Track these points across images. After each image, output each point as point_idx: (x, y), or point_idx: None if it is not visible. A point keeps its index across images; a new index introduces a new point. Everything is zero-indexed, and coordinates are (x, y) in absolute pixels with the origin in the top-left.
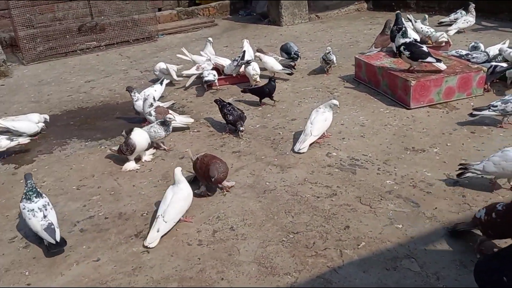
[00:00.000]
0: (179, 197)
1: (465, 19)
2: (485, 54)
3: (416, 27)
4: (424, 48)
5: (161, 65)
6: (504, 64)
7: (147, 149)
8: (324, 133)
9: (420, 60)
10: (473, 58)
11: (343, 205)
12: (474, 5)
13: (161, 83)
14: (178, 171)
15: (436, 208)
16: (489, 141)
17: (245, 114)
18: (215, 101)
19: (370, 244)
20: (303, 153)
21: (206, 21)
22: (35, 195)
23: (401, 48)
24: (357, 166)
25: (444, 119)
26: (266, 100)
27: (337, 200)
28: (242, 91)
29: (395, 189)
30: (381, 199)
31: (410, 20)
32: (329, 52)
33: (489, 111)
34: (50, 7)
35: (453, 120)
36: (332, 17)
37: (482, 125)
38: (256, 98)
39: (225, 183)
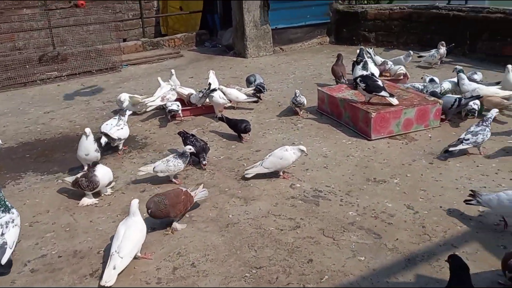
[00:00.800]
0: (133, 229)
1: (432, 54)
2: (438, 85)
3: (375, 60)
4: (379, 82)
5: (124, 95)
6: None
7: (107, 185)
8: (280, 173)
9: (374, 93)
10: (430, 91)
11: (306, 238)
12: (443, 43)
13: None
14: (135, 202)
15: (397, 239)
16: (446, 172)
17: (208, 146)
18: (179, 133)
19: (333, 277)
20: (248, 178)
21: (171, 52)
22: (2, 209)
23: (358, 80)
24: (320, 197)
25: (403, 150)
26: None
27: (301, 232)
28: (218, 118)
29: (358, 221)
30: (344, 231)
31: (370, 54)
32: (298, 95)
33: (463, 145)
34: (10, 36)
35: (412, 151)
36: (296, 50)
37: (440, 157)
38: (220, 130)
39: (175, 224)
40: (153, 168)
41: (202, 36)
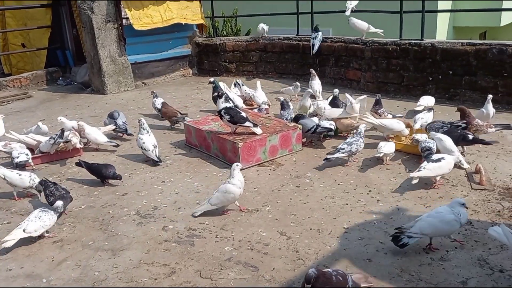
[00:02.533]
0: None
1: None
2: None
3: (241, 90)
4: (243, 113)
5: None
6: (326, 124)
7: None
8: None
9: (239, 124)
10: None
11: (183, 283)
12: (312, 69)
13: None
14: None
15: (274, 268)
16: (312, 193)
17: (70, 194)
18: (40, 182)
19: None
20: (196, 217)
21: (17, 93)
22: None
23: (222, 112)
24: (195, 236)
25: (272, 176)
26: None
27: (177, 278)
28: (76, 164)
29: (234, 255)
30: (221, 269)
31: (239, 84)
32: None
33: (339, 153)
34: None
35: (280, 177)
36: (159, 83)
37: (305, 179)
38: (80, 176)
39: None
40: (24, 230)
41: (54, 74)
